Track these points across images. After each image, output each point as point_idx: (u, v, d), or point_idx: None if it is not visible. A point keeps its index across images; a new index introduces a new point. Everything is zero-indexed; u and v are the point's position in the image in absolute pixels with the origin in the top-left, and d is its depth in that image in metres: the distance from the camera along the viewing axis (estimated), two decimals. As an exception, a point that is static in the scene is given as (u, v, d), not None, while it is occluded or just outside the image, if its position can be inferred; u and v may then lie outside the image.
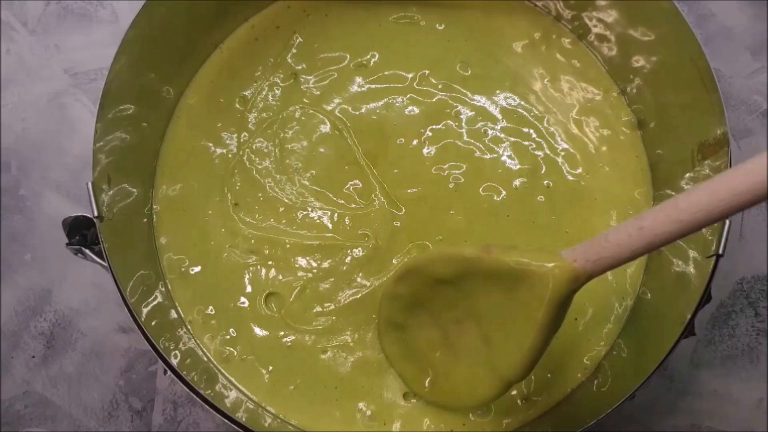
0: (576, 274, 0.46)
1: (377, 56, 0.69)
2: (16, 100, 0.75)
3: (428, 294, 0.57)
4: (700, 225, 0.40)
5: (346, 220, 0.65)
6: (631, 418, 0.68)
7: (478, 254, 0.51)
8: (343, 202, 0.65)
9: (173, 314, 0.62)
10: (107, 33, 0.77)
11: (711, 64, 0.56)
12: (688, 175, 0.60)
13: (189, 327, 0.63)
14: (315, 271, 0.64)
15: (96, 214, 0.54)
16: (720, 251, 0.54)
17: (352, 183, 0.66)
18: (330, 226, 0.65)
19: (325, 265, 0.64)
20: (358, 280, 0.63)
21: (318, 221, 0.65)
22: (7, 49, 0.76)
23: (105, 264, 0.55)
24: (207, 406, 0.53)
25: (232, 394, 0.61)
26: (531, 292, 0.47)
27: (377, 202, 0.65)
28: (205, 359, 0.62)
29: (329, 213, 0.65)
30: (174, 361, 0.54)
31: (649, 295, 0.63)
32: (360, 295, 0.63)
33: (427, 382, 0.60)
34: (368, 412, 0.61)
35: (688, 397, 0.69)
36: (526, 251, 0.49)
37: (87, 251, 0.56)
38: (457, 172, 0.66)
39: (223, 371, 0.62)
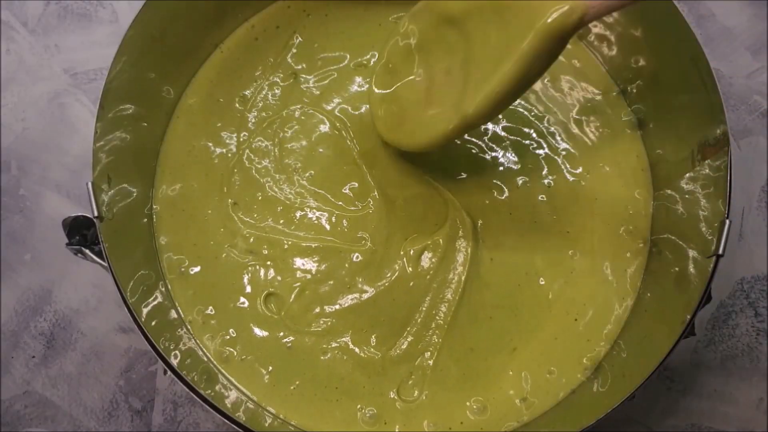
0: (573, 5, 0.45)
1: (377, 56, 0.69)
2: (16, 100, 0.75)
3: (433, 36, 0.58)
4: None
5: (344, 222, 0.65)
6: (631, 418, 0.68)
7: None
8: (341, 203, 0.65)
9: (173, 314, 0.62)
10: (107, 33, 0.77)
11: (711, 64, 0.56)
12: (688, 175, 0.60)
13: (189, 327, 0.63)
14: (314, 272, 0.64)
15: (96, 214, 0.54)
16: (720, 251, 0.54)
17: (350, 184, 0.66)
18: (328, 227, 0.65)
19: (324, 267, 0.64)
20: (358, 284, 0.64)
21: (316, 222, 0.65)
22: (7, 49, 0.76)
23: (105, 264, 0.55)
24: (207, 406, 0.53)
25: (232, 394, 0.61)
26: (525, 22, 0.47)
27: (374, 203, 0.65)
28: (205, 359, 0.62)
29: (327, 214, 0.65)
30: (174, 361, 0.54)
31: (649, 295, 0.63)
32: (360, 299, 0.63)
33: (394, 123, 0.62)
34: (368, 413, 0.61)
35: (688, 397, 0.68)
36: None
37: (87, 251, 0.56)
38: (457, 170, 0.66)
39: (223, 371, 0.62)
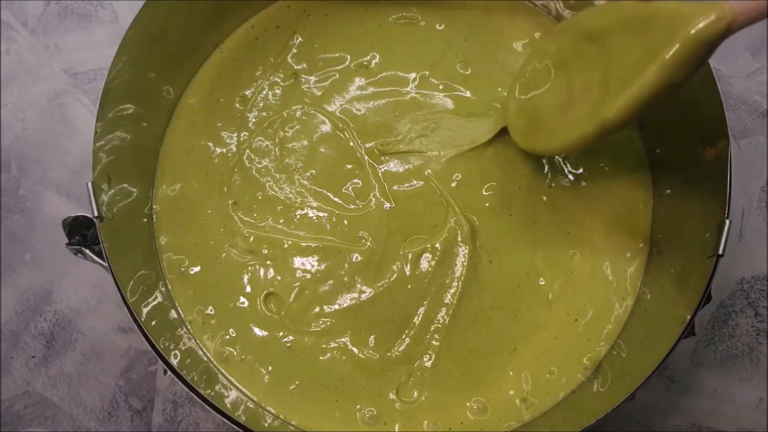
0: (722, 12, 0.44)
1: (378, 57, 0.69)
2: (16, 100, 0.75)
3: (572, 53, 0.58)
4: None
5: (344, 222, 0.65)
6: (631, 418, 0.68)
7: (633, 1, 0.51)
8: (341, 202, 0.65)
9: (173, 314, 0.62)
10: (107, 33, 0.77)
11: (711, 64, 0.56)
12: (687, 175, 0.60)
13: (189, 327, 0.63)
14: (313, 272, 0.64)
15: (96, 214, 0.54)
16: (720, 251, 0.54)
17: (351, 183, 0.66)
18: (328, 227, 0.65)
19: (324, 267, 0.64)
20: (357, 284, 0.64)
21: (316, 221, 0.65)
22: (7, 49, 0.76)
23: (105, 264, 0.54)
24: (207, 406, 0.53)
25: (232, 394, 0.61)
26: (668, 33, 0.47)
27: (375, 201, 0.65)
28: (205, 359, 0.62)
29: (327, 214, 0.65)
30: (174, 361, 0.54)
31: (649, 296, 0.63)
32: (359, 299, 0.63)
33: (530, 131, 0.62)
34: (368, 413, 0.61)
35: (688, 397, 0.69)
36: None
37: (87, 251, 0.56)
38: (459, 171, 0.66)
39: (222, 371, 0.62)
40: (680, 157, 0.61)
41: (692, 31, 0.45)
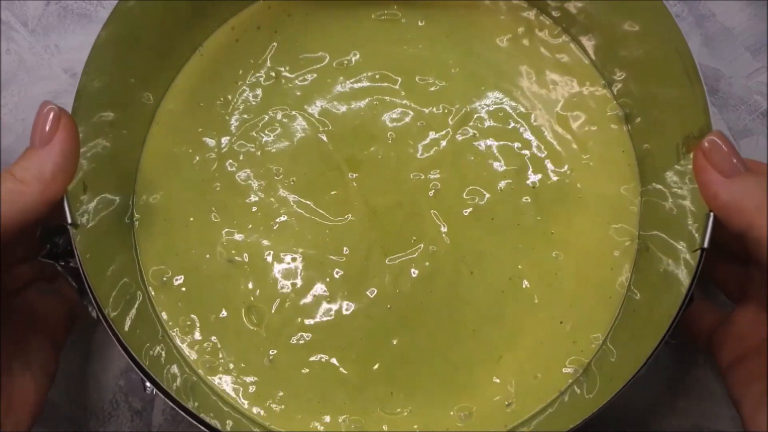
0: None
1: (358, 55, 0.68)
2: (16, 100, 0.75)
3: None
4: None
5: (326, 232, 0.64)
6: (631, 419, 0.68)
7: None
8: (323, 211, 0.65)
9: (156, 326, 0.63)
10: (107, 33, 0.77)
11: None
12: (674, 169, 0.58)
13: (172, 339, 0.63)
14: (294, 284, 0.64)
15: (70, 221, 0.52)
16: (705, 245, 0.52)
17: (332, 191, 0.65)
18: (309, 237, 0.64)
19: (305, 279, 0.64)
20: (337, 298, 0.63)
21: (297, 231, 0.64)
22: (7, 49, 0.77)
23: (75, 286, 0.54)
24: (194, 421, 0.52)
25: (217, 406, 0.61)
26: None
27: (356, 212, 0.65)
28: (188, 371, 0.62)
29: (309, 223, 0.65)
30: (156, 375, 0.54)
31: (637, 295, 0.61)
32: (339, 315, 0.63)
33: None
34: (353, 425, 0.61)
35: (688, 397, 0.68)
36: None
37: (61, 265, 0.54)
38: (439, 176, 0.65)
39: (207, 382, 0.62)
40: (667, 151, 0.59)
41: None
